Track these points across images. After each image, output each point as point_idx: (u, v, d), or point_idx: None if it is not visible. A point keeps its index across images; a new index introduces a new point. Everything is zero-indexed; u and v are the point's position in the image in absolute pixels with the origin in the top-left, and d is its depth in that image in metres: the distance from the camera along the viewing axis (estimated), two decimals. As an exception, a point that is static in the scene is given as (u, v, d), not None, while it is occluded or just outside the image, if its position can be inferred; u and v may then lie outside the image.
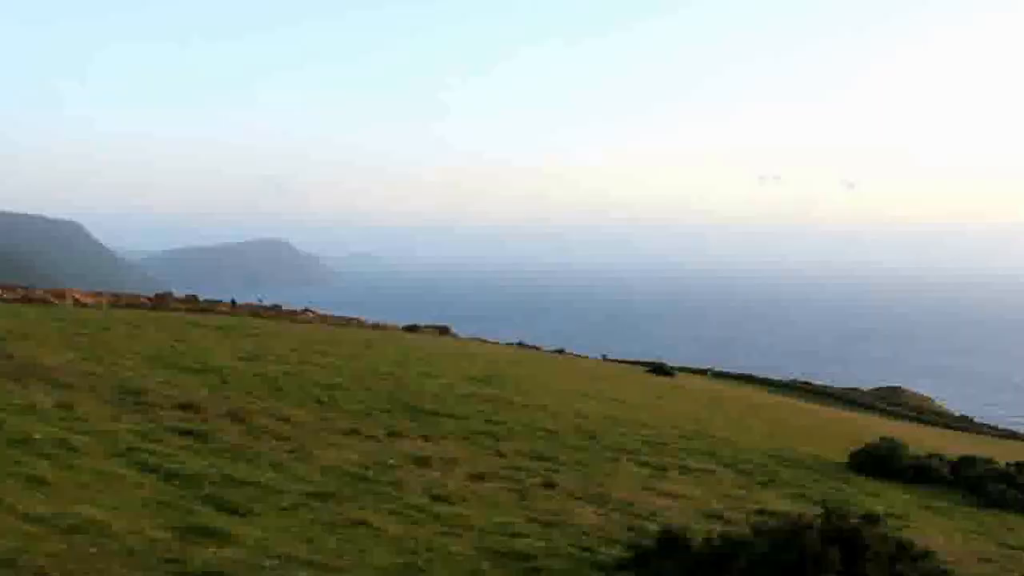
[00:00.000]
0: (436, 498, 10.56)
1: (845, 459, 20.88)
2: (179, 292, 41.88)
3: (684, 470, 15.72)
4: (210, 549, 7.58)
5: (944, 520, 15.59)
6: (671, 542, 7.16)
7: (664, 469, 15.44)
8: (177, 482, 9.45)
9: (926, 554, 6.28)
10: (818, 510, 14.26)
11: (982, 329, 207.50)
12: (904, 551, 6.13)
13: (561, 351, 51.72)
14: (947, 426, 57.10)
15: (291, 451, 11.78)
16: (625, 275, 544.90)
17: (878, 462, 20.99)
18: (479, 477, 12.10)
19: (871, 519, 6.60)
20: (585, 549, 9.32)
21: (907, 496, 18.12)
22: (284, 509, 9.13)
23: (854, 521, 6.36)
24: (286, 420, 13.92)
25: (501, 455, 14.08)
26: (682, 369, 52.32)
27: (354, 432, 13.92)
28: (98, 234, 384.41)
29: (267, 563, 7.47)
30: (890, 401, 69.97)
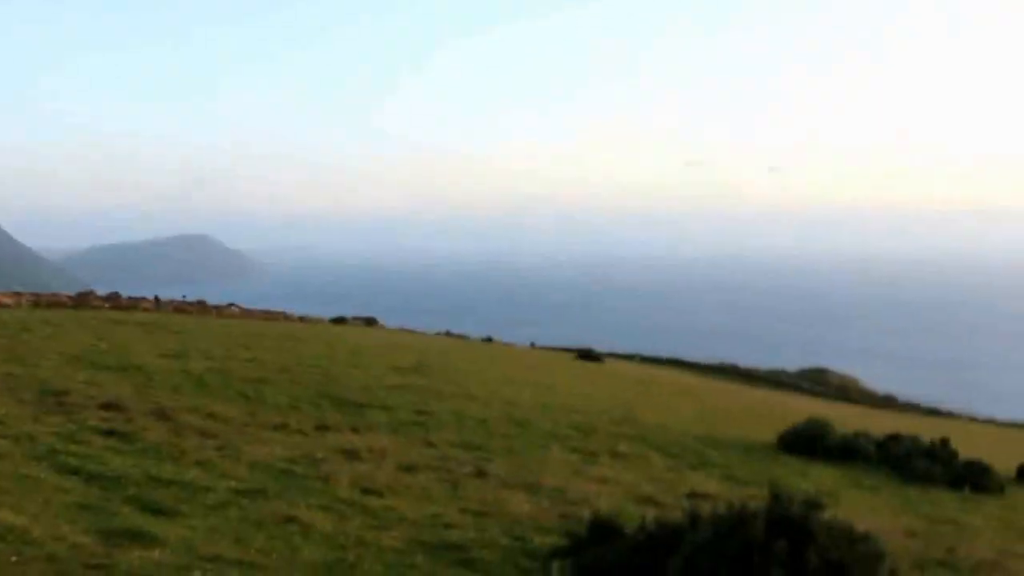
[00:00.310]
0: (366, 491, 10.43)
1: (774, 440, 21.12)
2: (102, 290, 40.93)
3: (615, 455, 15.79)
4: (135, 552, 7.37)
5: (872, 497, 15.90)
6: (604, 529, 7.13)
7: (595, 454, 15.50)
8: (100, 484, 9.19)
9: (865, 537, 6.31)
10: (749, 490, 14.59)
11: (905, 310, 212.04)
12: (843, 535, 6.16)
13: (489, 339, 51.66)
14: (872, 405, 58.16)
15: (218, 448, 11.56)
16: (556, 263, 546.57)
17: (806, 442, 21.28)
18: (409, 468, 12.00)
19: (814, 504, 6.62)
20: (518, 538, 9.29)
21: (836, 474, 18.42)
22: (211, 508, 8.94)
23: (799, 507, 6.36)
24: (212, 417, 13.67)
25: (431, 445, 14.00)
26: (610, 354, 52.59)
27: (282, 427, 13.73)
28: (17, 233, 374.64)
29: (195, 564, 7.29)
30: (816, 381, 71.00)
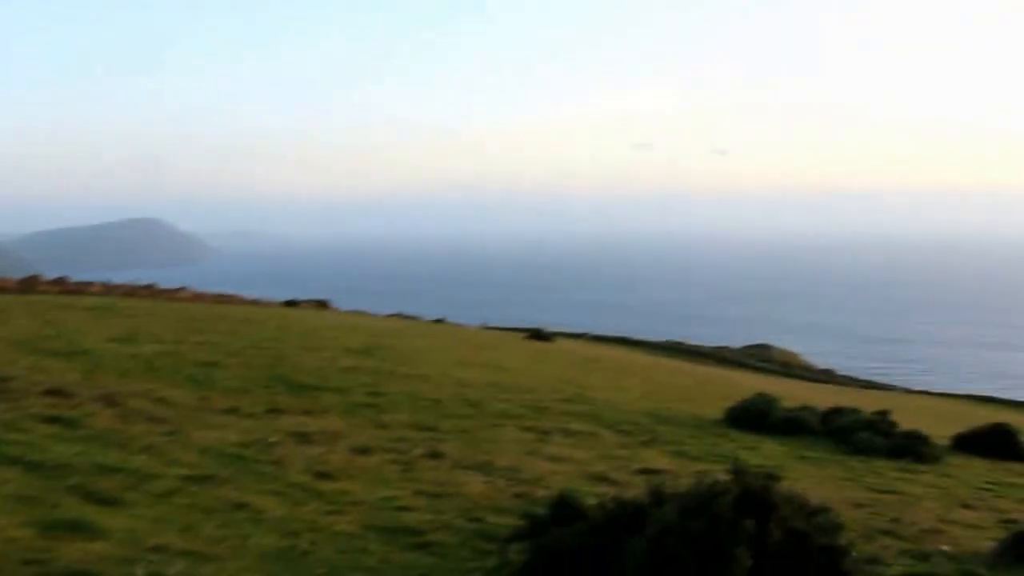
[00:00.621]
0: (319, 475, 10.33)
1: (721, 415, 21.33)
2: (49, 275, 40.12)
3: (567, 433, 15.82)
4: (76, 545, 7.11)
5: (817, 469, 16.09)
6: (565, 509, 7.11)
7: (547, 433, 15.51)
8: (42, 473, 8.87)
9: (822, 508, 6.38)
10: (701, 465, 14.73)
11: (843, 288, 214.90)
12: (802, 507, 6.22)
13: (441, 320, 51.58)
14: (812, 379, 59.10)
15: (167, 434, 11.37)
16: (505, 245, 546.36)
17: (753, 416, 21.53)
18: (363, 451, 11.92)
19: (773, 477, 6.68)
20: (474, 519, 9.26)
21: (782, 448, 18.62)
22: (159, 496, 8.73)
23: (759, 481, 6.39)
24: (162, 402, 13.47)
25: (384, 427, 13.93)
26: (559, 334, 52.76)
27: (232, 411, 13.56)
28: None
29: (139, 556, 7.06)
30: (759, 357, 72.01)
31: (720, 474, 6.89)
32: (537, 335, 45.36)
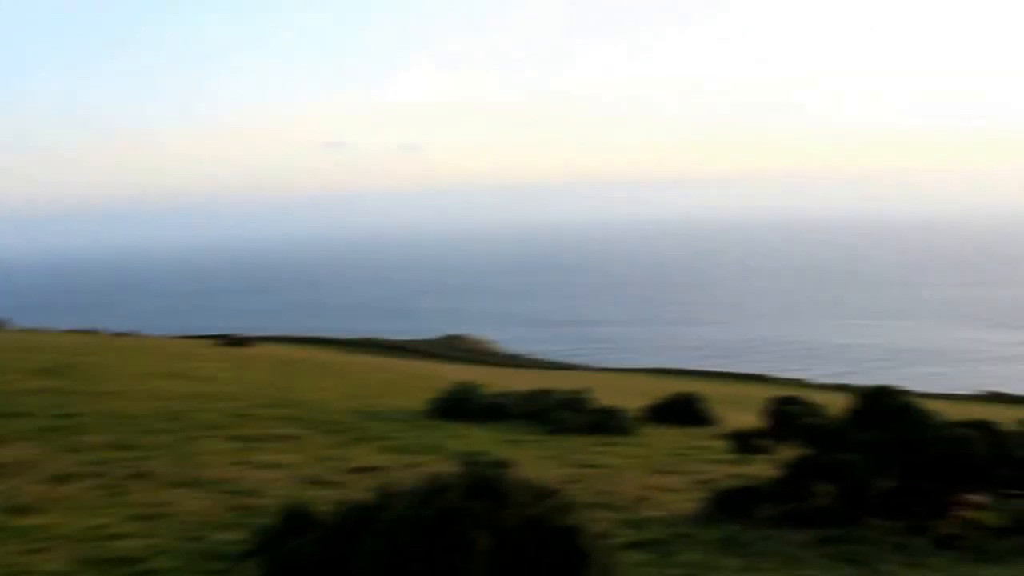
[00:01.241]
0: (16, 510, 9.59)
1: (425, 407, 21.64)
2: None
3: (274, 438, 15.59)
4: None
5: (524, 451, 16.66)
6: (295, 518, 6.98)
7: (254, 440, 15.21)
8: None
9: (552, 490, 6.61)
10: (415, 459, 14.90)
11: (534, 275, 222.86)
12: (532, 491, 6.42)
13: (126, 333, 49.06)
14: (501, 364, 61.22)
15: None
16: (189, 251, 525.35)
17: (457, 405, 22.00)
18: (61, 478, 11.18)
19: (501, 464, 6.85)
20: (194, 539, 8.90)
21: (488, 434, 19.15)
22: None
23: (488, 469, 6.53)
24: None
25: (81, 450, 13.11)
26: (254, 338, 51.59)
27: (-98, 449, 12.33)
28: None
29: None
30: (454, 347, 73.76)
31: (441, 466, 7.03)
32: (232, 341, 44.16)
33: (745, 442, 12.64)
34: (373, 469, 13.39)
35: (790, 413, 11.73)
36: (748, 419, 17.96)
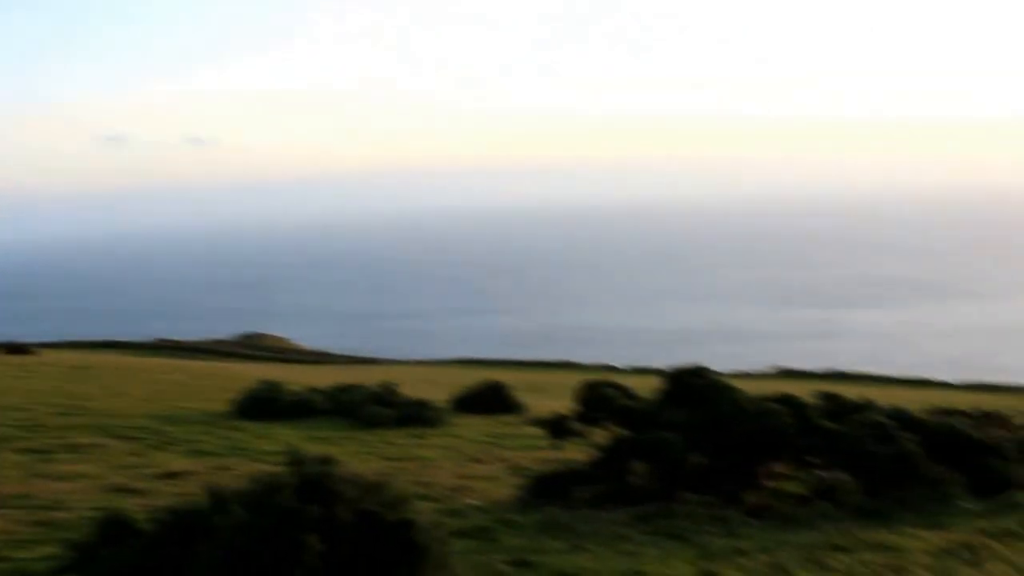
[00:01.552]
0: None
1: (228, 408, 21.12)
2: None
3: (71, 449, 14.83)
4: None
5: (336, 448, 16.37)
6: (113, 529, 6.57)
7: (49, 452, 14.42)
8: None
9: (382, 484, 6.49)
10: (221, 461, 14.43)
11: (333, 270, 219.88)
12: (364, 486, 6.28)
13: None
14: (308, 361, 60.17)
15: None
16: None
17: (262, 405, 21.50)
18: None
19: (328, 461, 6.66)
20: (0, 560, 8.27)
21: (295, 432, 18.80)
22: None
23: (317, 467, 6.34)
24: None
25: None
26: (40, 344, 48.78)
27: None
28: None
29: None
30: (254, 346, 71.92)
31: (252, 467, 6.79)
32: (12, 348, 41.58)
33: (559, 427, 12.83)
34: (180, 474, 12.89)
35: (605, 396, 11.96)
36: (556, 405, 18.32)
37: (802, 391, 12.15)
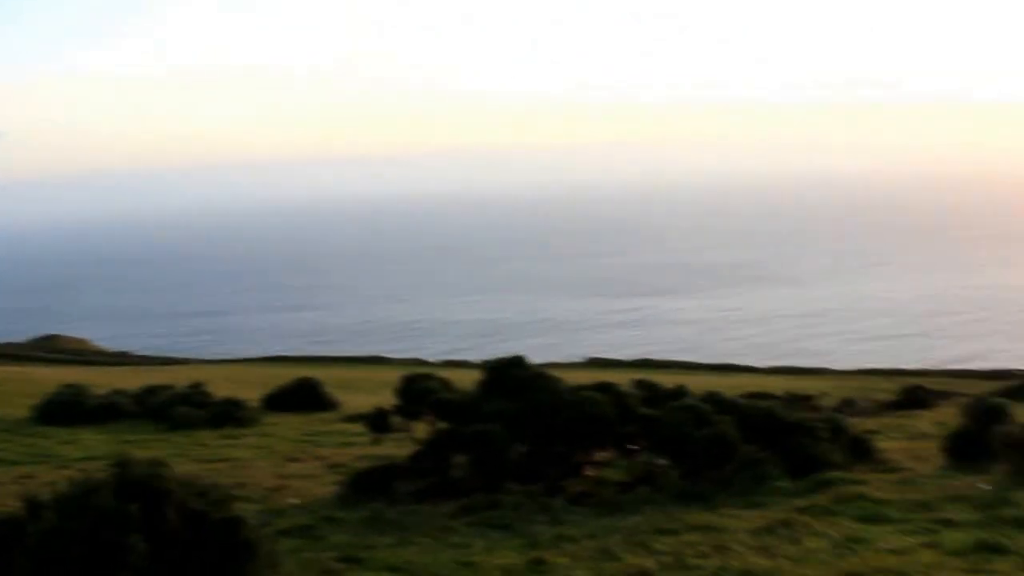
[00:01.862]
0: None
1: (28, 413, 20.26)
2: None
3: None
4: None
5: (147, 450, 15.69)
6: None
7: None
8: None
9: (214, 486, 6.27)
10: (21, 469, 13.66)
11: (127, 267, 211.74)
12: (194, 488, 6.05)
13: None
14: (109, 363, 57.92)
15: None
16: None
17: (64, 409, 20.64)
18: None
19: (159, 463, 6.36)
20: None
21: (101, 436, 18.14)
22: None
23: (145, 468, 6.04)
24: None
25: None
26: None
27: None
28: None
29: None
30: (50, 349, 68.83)
31: (57, 474, 6.45)
32: None
33: (379, 422, 12.70)
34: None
35: (423, 390, 11.91)
36: (369, 400, 18.22)
37: (615, 380, 12.44)
